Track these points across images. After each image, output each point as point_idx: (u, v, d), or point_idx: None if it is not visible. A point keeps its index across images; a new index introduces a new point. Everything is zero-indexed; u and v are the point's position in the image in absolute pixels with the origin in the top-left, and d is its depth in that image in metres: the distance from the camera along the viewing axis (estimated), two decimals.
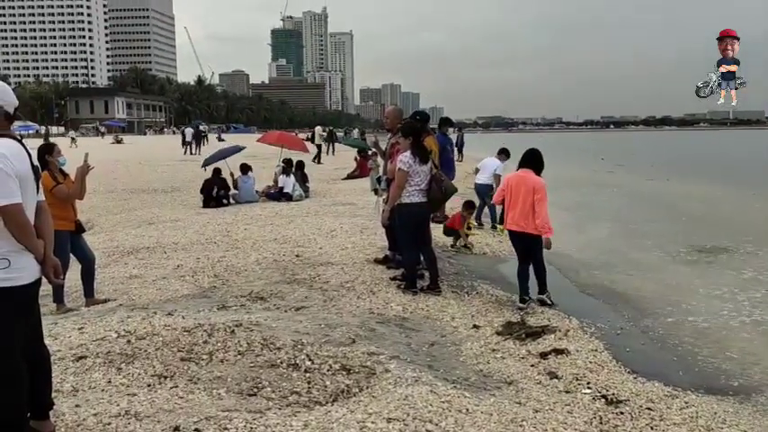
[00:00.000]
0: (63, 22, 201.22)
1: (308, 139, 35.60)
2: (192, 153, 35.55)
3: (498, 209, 10.64)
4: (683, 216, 15.12)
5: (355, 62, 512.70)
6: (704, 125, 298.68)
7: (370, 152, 18.09)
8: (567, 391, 4.50)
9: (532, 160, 6.85)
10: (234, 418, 3.63)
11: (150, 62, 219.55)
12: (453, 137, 22.63)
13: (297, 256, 8.47)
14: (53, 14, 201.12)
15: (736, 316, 7.01)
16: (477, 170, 12.58)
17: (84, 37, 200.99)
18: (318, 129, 33.88)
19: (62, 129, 69.09)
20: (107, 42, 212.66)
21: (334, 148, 35.35)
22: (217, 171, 14.56)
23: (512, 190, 6.75)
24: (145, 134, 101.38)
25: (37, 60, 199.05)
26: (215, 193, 14.11)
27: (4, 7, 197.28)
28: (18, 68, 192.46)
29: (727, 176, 27.13)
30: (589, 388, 4.55)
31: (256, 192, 14.98)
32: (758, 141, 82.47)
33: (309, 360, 4.60)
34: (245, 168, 14.96)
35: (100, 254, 8.38)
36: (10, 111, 3.27)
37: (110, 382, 4.20)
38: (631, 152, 54.52)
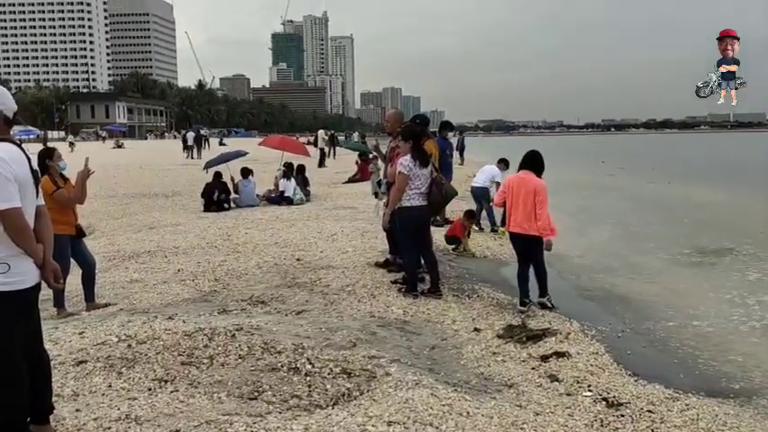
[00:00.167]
0: (64, 26, 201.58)
1: (309, 143, 35.70)
2: (192, 157, 35.61)
3: (499, 212, 10.67)
4: (685, 219, 15.12)
5: (356, 66, 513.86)
6: (705, 128, 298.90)
7: (370, 156, 18.10)
8: (567, 394, 4.49)
9: (533, 162, 6.85)
10: (234, 421, 3.63)
11: (151, 67, 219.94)
12: (454, 140, 22.68)
13: (297, 259, 8.48)
14: (54, 19, 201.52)
15: (737, 319, 7.00)
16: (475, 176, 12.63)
17: (84, 41, 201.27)
18: (321, 132, 33.83)
19: (63, 133, 69.15)
20: (108, 47, 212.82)
21: (335, 152, 35.37)
22: (218, 175, 14.58)
23: (513, 192, 6.74)
24: (146, 138, 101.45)
25: (38, 65, 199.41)
26: (216, 197, 14.12)
27: (4, 12, 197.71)
28: (19, 73, 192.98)
29: (727, 179, 27.11)
30: (590, 391, 4.55)
31: (257, 196, 15.00)
32: (758, 144, 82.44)
33: (310, 364, 4.60)
34: (246, 172, 14.98)
35: (101, 258, 8.39)
36: (9, 115, 3.28)
37: (110, 386, 4.20)
38: (632, 155, 54.55)
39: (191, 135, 40.73)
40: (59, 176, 6.35)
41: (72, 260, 6.49)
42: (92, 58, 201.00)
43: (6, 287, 3.11)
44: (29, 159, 3.29)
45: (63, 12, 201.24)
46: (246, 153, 16.27)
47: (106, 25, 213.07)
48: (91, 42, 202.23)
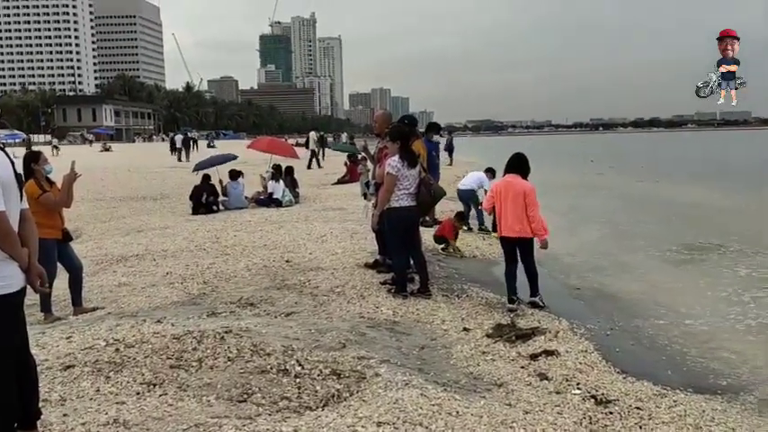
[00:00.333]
0: (49, 29, 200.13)
1: (297, 144, 35.58)
2: (181, 160, 35.47)
3: (489, 217, 10.72)
4: (673, 217, 15.21)
5: (344, 67, 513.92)
6: (692, 126, 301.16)
7: (359, 157, 18.09)
8: (557, 392, 4.51)
9: (518, 165, 6.89)
10: (224, 424, 3.62)
11: (138, 69, 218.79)
12: (442, 141, 22.70)
13: (287, 261, 8.46)
14: (39, 21, 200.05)
15: (725, 316, 7.06)
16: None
17: (70, 44, 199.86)
18: (313, 134, 33.74)
19: (49, 137, 68.58)
20: (94, 50, 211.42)
21: (324, 153, 35.32)
22: (206, 177, 14.53)
23: (501, 196, 6.78)
24: (133, 141, 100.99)
25: (23, 68, 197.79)
26: (204, 199, 14.08)
27: None
28: (4, 76, 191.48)
29: (713, 177, 27.31)
30: (579, 389, 4.57)
31: (246, 198, 14.96)
32: (744, 142, 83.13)
33: (299, 365, 4.59)
34: (235, 174, 14.93)
35: (88, 262, 8.34)
36: None
37: (98, 390, 4.18)
38: (621, 154, 54.84)
39: (179, 138, 40.56)
40: (45, 180, 6.31)
41: (59, 264, 6.45)
42: (78, 60, 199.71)
43: None
44: (12, 163, 3.27)
45: (48, 14, 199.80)
46: (236, 157, 16.20)
47: (92, 27, 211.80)
48: (77, 45, 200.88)
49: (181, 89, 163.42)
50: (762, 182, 24.21)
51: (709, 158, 45.76)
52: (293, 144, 28.88)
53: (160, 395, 4.11)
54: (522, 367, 5.04)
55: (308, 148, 31.09)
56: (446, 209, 12.47)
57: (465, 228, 11.23)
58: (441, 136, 19.04)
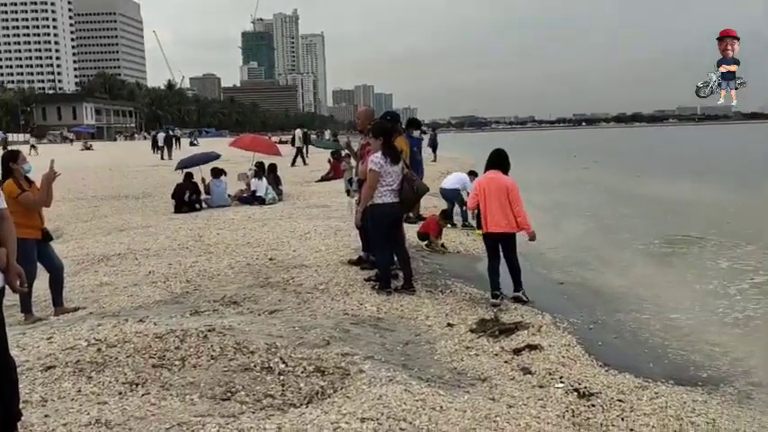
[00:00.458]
0: (28, 26, 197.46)
1: (281, 142, 35.44)
2: (163, 158, 35.22)
3: (471, 215, 10.77)
4: (656, 211, 15.35)
5: (327, 64, 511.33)
6: (673, 121, 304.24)
7: (343, 153, 18.06)
8: (540, 386, 4.54)
9: (498, 161, 6.94)
10: (207, 423, 3.61)
11: (119, 67, 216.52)
12: (425, 138, 22.68)
13: (270, 259, 8.44)
14: (17, 20, 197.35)
15: (706, 309, 7.15)
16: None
17: (49, 42, 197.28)
18: (298, 131, 33.60)
19: (29, 136, 67.67)
20: (74, 47, 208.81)
21: (307, 150, 35.21)
22: (188, 175, 14.43)
23: (484, 193, 6.80)
24: (115, 140, 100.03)
25: (1, 66, 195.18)
26: (187, 197, 13.98)
27: None
28: None
29: (695, 171, 27.57)
30: (562, 382, 4.60)
31: (228, 196, 14.88)
32: (723, 136, 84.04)
33: (283, 363, 4.58)
34: (218, 172, 14.84)
35: (69, 262, 8.26)
36: None
37: (80, 391, 4.14)
38: (604, 149, 55.24)
39: (161, 136, 40.28)
40: (24, 179, 6.24)
41: (40, 264, 6.38)
42: (57, 58, 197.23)
43: None
44: None
45: (27, 11, 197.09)
46: (219, 156, 16.08)
47: (71, 25, 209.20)
48: (56, 43, 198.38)
49: (163, 87, 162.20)
50: (740, 176, 24.52)
51: (690, 153, 46.20)
52: (276, 142, 28.74)
53: (143, 394, 4.09)
54: (506, 362, 5.06)
55: (293, 145, 30.96)
56: (430, 205, 12.50)
57: (449, 225, 11.25)
58: (424, 132, 19.02)
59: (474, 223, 10.86)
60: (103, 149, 56.21)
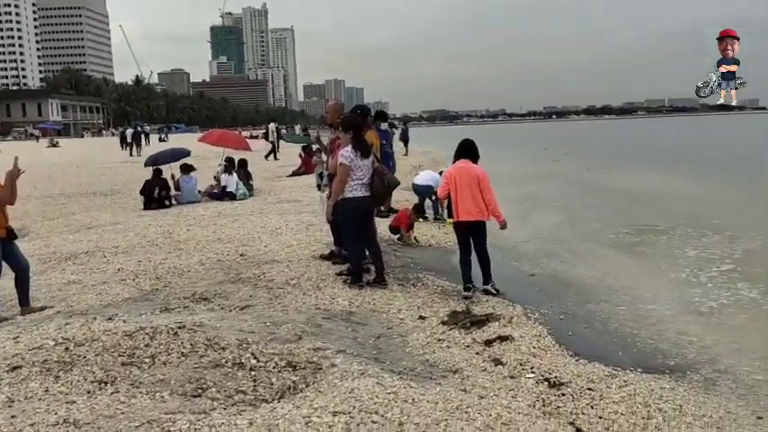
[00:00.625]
0: None
1: (252, 137, 35.19)
2: (132, 155, 34.77)
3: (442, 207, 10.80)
4: (624, 202, 15.56)
5: (298, 58, 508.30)
6: (642, 113, 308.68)
7: (314, 148, 17.99)
8: (511, 377, 4.59)
9: (467, 150, 6.98)
10: (177, 420, 3.57)
11: (85, 62, 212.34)
12: (396, 132, 22.66)
13: (241, 255, 8.38)
14: None
15: (674, 298, 7.28)
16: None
17: (12, 37, 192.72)
18: (272, 126, 33.42)
19: None
20: (38, 42, 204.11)
21: (278, 145, 35.04)
22: (158, 172, 14.24)
23: (455, 182, 6.83)
24: (82, 136, 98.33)
25: None
26: (156, 194, 13.80)
27: None
28: None
29: (663, 162, 28.05)
30: (533, 372, 4.65)
31: (199, 192, 14.73)
32: (691, 128, 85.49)
33: (255, 358, 4.56)
34: (187, 168, 14.68)
35: (35, 261, 8.12)
36: None
37: (47, 390, 4.08)
38: (574, 141, 55.86)
39: (129, 132, 39.78)
40: None
41: (5, 263, 6.26)
42: (21, 54, 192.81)
43: None
44: None
45: None
46: (189, 152, 15.85)
47: (35, 20, 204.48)
48: (20, 38, 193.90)
49: (130, 82, 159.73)
50: (706, 167, 24.98)
51: (658, 145, 46.92)
52: (247, 137, 28.54)
53: (112, 393, 4.03)
54: (477, 353, 5.10)
55: (267, 139, 30.79)
56: (402, 199, 12.51)
57: (421, 219, 11.28)
58: (393, 126, 18.99)
59: (445, 215, 10.90)
60: (70, 146, 55.26)
